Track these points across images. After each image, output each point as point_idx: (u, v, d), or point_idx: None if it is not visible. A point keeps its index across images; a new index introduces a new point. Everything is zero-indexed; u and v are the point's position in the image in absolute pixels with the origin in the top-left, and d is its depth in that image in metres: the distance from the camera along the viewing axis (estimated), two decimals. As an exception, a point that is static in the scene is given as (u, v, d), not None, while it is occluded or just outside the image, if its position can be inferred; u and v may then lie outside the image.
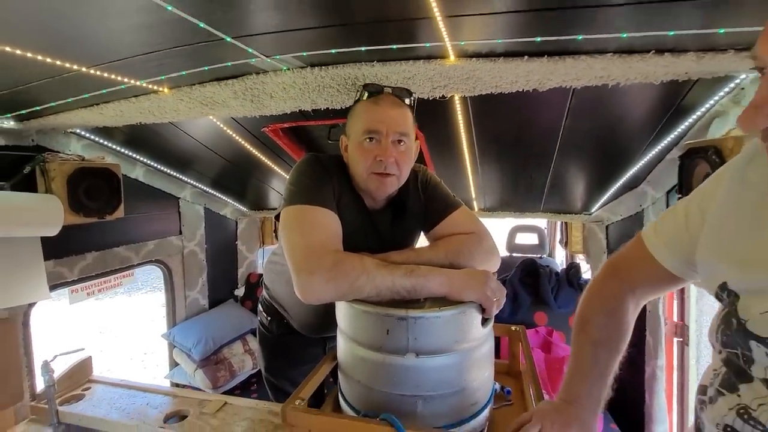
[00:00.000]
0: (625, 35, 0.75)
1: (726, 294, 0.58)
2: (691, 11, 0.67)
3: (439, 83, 1.08)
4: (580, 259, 3.00)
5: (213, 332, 2.40)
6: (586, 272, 2.42)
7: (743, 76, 1.01)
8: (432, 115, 1.30)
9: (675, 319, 1.73)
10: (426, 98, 1.14)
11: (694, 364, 1.63)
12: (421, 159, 1.64)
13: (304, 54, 0.96)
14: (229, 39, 0.85)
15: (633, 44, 0.82)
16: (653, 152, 1.49)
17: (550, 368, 1.92)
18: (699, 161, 1.11)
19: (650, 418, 1.77)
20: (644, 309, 1.84)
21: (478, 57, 0.93)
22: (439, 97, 1.16)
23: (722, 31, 0.71)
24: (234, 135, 1.73)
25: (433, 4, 0.65)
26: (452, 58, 0.95)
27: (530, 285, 2.27)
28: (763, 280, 0.52)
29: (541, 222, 3.36)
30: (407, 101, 1.01)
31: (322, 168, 1.02)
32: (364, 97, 1.01)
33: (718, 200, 0.62)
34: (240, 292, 2.92)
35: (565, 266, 2.60)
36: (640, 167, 1.62)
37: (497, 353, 1.21)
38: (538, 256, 2.97)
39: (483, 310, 0.86)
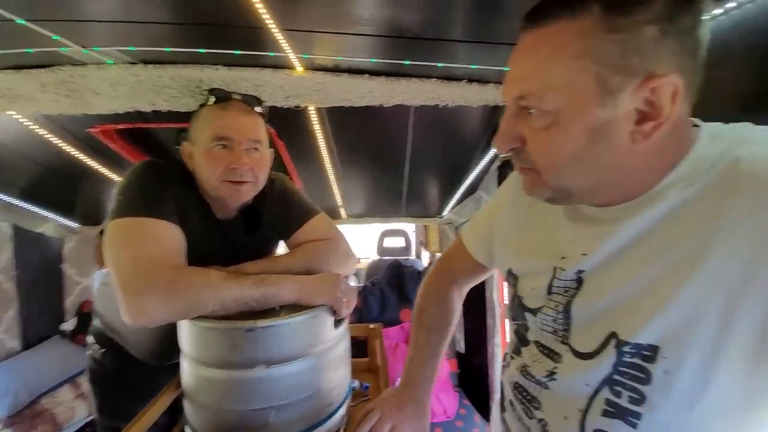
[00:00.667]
0: (440, 65, 0.89)
1: (511, 278, 0.73)
2: (495, 52, 0.83)
3: (291, 93, 1.10)
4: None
5: (27, 380, 1.92)
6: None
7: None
8: (291, 124, 1.30)
9: (506, 302, 2.09)
10: (281, 107, 1.15)
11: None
12: (283, 168, 1.63)
13: (132, 49, 0.86)
14: (21, 21, 0.71)
15: (450, 73, 0.98)
16: (483, 163, 1.78)
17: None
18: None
19: (492, 389, 2.09)
20: (484, 296, 2.18)
21: (325, 71, 0.97)
22: (294, 107, 1.17)
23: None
24: (49, 136, 1.43)
25: (266, 17, 0.67)
26: (299, 69, 0.97)
27: (397, 285, 2.45)
28: (531, 264, 0.68)
29: (409, 226, 3.67)
30: (258, 109, 0.99)
31: (160, 176, 0.93)
32: (210, 102, 0.96)
33: (503, 202, 0.78)
34: (69, 325, 2.40)
35: (426, 265, 2.88)
36: (476, 176, 1.91)
37: (365, 353, 1.28)
38: (405, 258, 3.23)
39: (335, 312, 0.89)
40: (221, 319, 0.79)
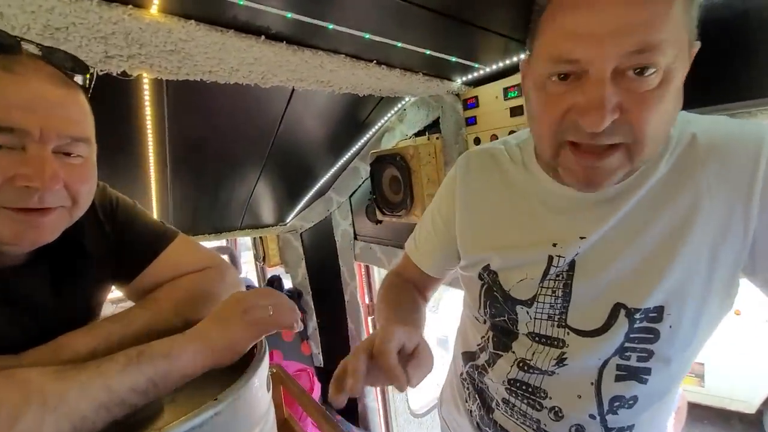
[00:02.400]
0: (367, 36, 0.74)
1: (487, 273, 0.68)
2: (424, 29, 0.74)
3: (121, 50, 0.70)
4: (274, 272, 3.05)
5: None
6: (288, 284, 2.48)
7: (406, 99, 1.30)
8: (104, 100, 0.83)
9: (366, 301, 2.08)
10: (94, 71, 0.71)
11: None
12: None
13: None
14: None
15: (363, 51, 0.84)
16: (340, 162, 1.68)
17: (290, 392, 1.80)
18: (387, 166, 1.34)
19: (362, 393, 2.04)
20: (342, 299, 2.10)
21: (199, 20, 0.65)
22: (119, 74, 0.75)
23: (427, 52, 0.84)
24: None
25: None
26: (155, 9, 0.61)
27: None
28: (518, 257, 0.64)
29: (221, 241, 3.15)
30: (78, 80, 0.55)
31: None
32: None
33: (462, 206, 0.72)
34: None
35: (264, 283, 2.54)
36: (329, 176, 1.79)
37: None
38: (232, 277, 2.75)
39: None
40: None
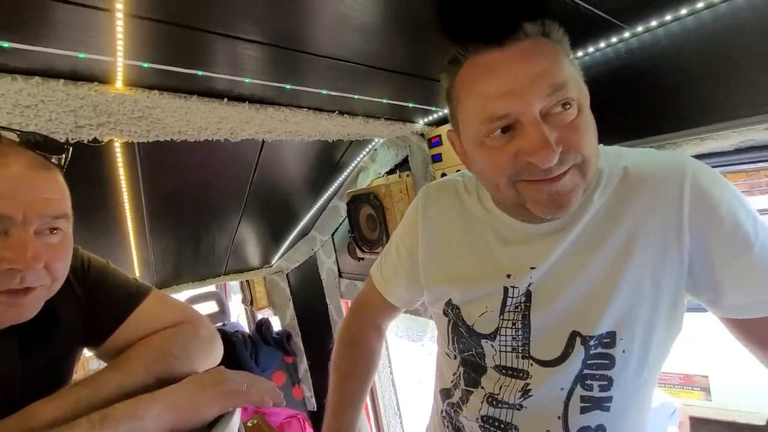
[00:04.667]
0: (324, 92, 0.79)
1: (450, 308, 0.70)
2: (378, 83, 0.80)
3: (90, 120, 0.74)
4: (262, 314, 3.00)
5: None
6: (276, 325, 2.44)
7: (377, 140, 1.36)
8: (76, 165, 0.87)
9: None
10: (66, 140, 0.74)
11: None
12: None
13: None
14: None
15: (323, 104, 0.89)
16: (319, 202, 1.72)
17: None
18: (362, 205, 1.37)
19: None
20: (333, 338, 2.07)
21: (162, 90, 0.69)
22: (89, 141, 0.79)
23: (385, 101, 0.90)
24: None
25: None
26: (119, 84, 0.66)
27: (227, 359, 2.00)
28: (475, 291, 0.67)
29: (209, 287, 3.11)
30: (54, 160, 0.57)
31: None
32: None
33: (423, 239, 0.75)
34: None
35: (253, 326, 2.51)
36: (310, 216, 1.82)
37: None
38: (222, 324, 2.71)
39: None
40: None
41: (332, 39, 0.63)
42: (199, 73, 0.65)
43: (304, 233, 1.96)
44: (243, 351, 2.03)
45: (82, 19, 0.48)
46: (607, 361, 0.58)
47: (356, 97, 0.84)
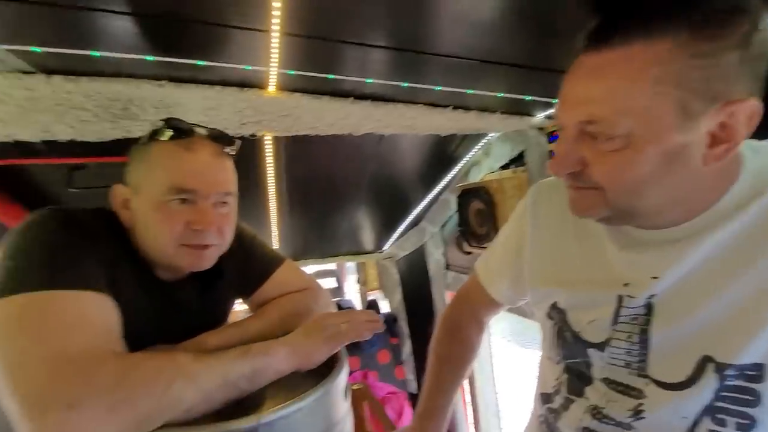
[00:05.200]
0: (438, 88, 0.83)
1: (556, 312, 0.67)
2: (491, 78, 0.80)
3: (251, 118, 0.91)
4: (373, 296, 3.24)
5: None
6: (385, 308, 2.61)
7: (491, 135, 1.34)
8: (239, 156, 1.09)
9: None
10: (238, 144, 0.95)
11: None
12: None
13: (37, 50, 0.60)
14: None
15: (438, 100, 0.93)
16: (431, 195, 1.77)
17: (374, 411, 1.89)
18: (473, 200, 1.37)
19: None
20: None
21: (304, 92, 0.83)
22: (249, 136, 0.98)
23: (500, 95, 0.89)
24: None
25: (276, 15, 0.51)
26: (272, 89, 0.81)
27: (339, 330, 2.24)
28: (585, 296, 0.63)
29: (330, 265, 3.48)
30: (229, 150, 0.76)
31: (79, 230, 0.64)
32: (164, 137, 0.71)
33: (531, 237, 0.73)
34: None
35: (364, 306, 2.73)
36: (422, 208, 1.89)
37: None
38: (338, 299, 3.02)
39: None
40: (201, 424, 0.55)
41: (448, 37, 0.66)
42: (330, 76, 0.75)
43: (415, 223, 2.04)
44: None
45: (247, 40, 0.62)
46: (751, 398, 0.49)
47: (469, 91, 0.85)
